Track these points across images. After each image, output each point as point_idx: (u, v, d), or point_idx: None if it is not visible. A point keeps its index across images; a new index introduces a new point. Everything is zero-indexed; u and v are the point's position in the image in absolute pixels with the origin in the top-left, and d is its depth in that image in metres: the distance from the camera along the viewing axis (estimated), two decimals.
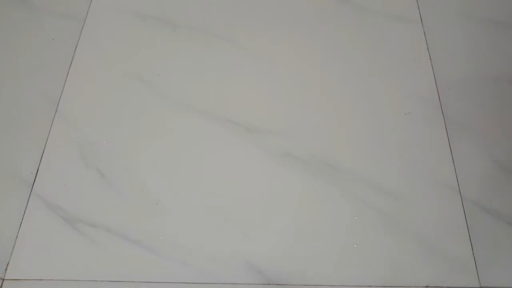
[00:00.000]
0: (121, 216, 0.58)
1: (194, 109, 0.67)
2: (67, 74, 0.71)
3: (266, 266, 0.55)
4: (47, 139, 0.64)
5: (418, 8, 0.77)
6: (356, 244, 0.56)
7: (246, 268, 0.55)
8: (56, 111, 0.67)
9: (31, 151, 0.63)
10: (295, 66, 0.70)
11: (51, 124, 0.66)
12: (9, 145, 0.64)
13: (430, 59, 0.71)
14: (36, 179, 0.61)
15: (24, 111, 0.67)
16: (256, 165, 0.62)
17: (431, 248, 0.56)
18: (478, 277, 0.54)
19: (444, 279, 0.54)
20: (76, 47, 0.74)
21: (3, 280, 0.54)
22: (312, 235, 0.57)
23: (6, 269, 0.55)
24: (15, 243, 0.57)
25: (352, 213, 0.58)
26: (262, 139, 0.64)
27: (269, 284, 0.54)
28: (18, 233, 0.57)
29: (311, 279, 0.54)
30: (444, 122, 0.62)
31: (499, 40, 0.73)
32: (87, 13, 0.77)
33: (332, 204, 0.58)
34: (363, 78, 0.69)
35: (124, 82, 0.70)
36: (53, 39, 0.75)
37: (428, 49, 0.72)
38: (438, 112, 0.63)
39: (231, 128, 0.65)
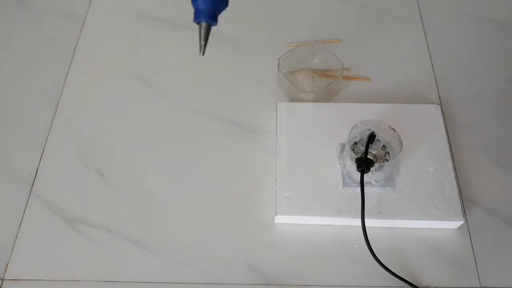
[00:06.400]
0: (121, 216, 0.58)
1: (194, 109, 0.67)
2: (67, 74, 0.71)
3: (266, 266, 0.55)
4: (46, 139, 0.64)
5: (418, 8, 0.77)
6: (356, 245, 0.55)
7: (246, 268, 0.55)
8: (56, 111, 0.67)
9: (31, 151, 0.63)
10: None
11: (51, 124, 0.66)
12: (8, 145, 0.64)
13: (430, 59, 0.71)
14: (36, 179, 0.61)
15: (24, 111, 0.67)
16: (256, 165, 0.61)
17: (431, 248, 0.55)
18: (479, 277, 0.54)
19: (444, 279, 0.54)
20: (76, 47, 0.74)
21: (2, 280, 0.54)
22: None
23: (5, 269, 0.55)
24: (14, 243, 0.57)
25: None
26: (263, 139, 0.64)
27: (269, 284, 0.54)
28: (17, 233, 0.57)
29: (311, 279, 0.54)
30: (444, 122, 0.62)
31: (499, 40, 0.73)
32: (87, 13, 0.78)
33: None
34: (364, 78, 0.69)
35: (124, 82, 0.70)
36: (52, 39, 0.75)
37: (428, 49, 0.72)
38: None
39: (232, 128, 0.65)
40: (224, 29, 0.74)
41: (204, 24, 0.46)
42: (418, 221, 0.55)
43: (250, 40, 0.74)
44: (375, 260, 0.52)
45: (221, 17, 0.74)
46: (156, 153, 0.63)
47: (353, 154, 0.54)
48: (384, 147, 0.55)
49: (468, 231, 0.57)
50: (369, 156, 0.54)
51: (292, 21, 0.76)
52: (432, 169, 0.58)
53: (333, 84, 0.65)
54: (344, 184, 0.57)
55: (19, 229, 0.58)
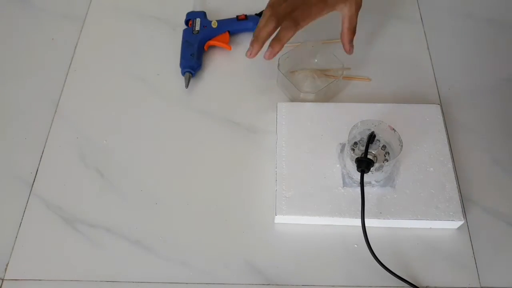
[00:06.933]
0: (121, 216, 0.58)
1: (194, 109, 0.67)
2: (67, 74, 0.71)
3: (266, 266, 0.55)
4: (46, 139, 0.64)
5: (418, 8, 0.77)
6: (356, 245, 0.56)
7: (246, 268, 0.55)
8: (56, 111, 0.67)
9: (31, 151, 0.63)
10: None
11: (51, 124, 0.66)
12: (8, 145, 0.64)
13: (430, 59, 0.71)
14: (36, 179, 0.61)
15: (24, 111, 0.67)
16: (256, 165, 0.61)
17: (431, 248, 0.55)
18: (479, 277, 0.54)
19: (444, 279, 0.54)
20: (75, 47, 0.74)
21: (2, 280, 0.54)
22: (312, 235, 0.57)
23: (5, 269, 0.55)
24: (14, 243, 0.57)
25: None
26: (263, 139, 0.64)
27: (269, 284, 0.54)
28: (17, 233, 0.57)
29: (311, 279, 0.54)
30: (444, 122, 0.62)
31: (499, 40, 0.73)
32: (87, 13, 0.78)
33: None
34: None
35: (124, 82, 0.70)
36: (52, 39, 0.75)
37: (428, 49, 0.72)
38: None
39: (232, 128, 0.65)
40: None
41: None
42: (418, 221, 0.55)
43: (249, 40, 0.74)
44: (375, 260, 0.52)
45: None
46: (156, 153, 0.63)
47: (353, 154, 0.54)
48: (384, 147, 0.56)
49: (468, 231, 0.57)
50: (369, 156, 0.54)
51: None
52: (432, 169, 0.58)
53: (333, 84, 0.65)
54: (344, 184, 0.57)
55: (19, 229, 0.58)
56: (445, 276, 0.54)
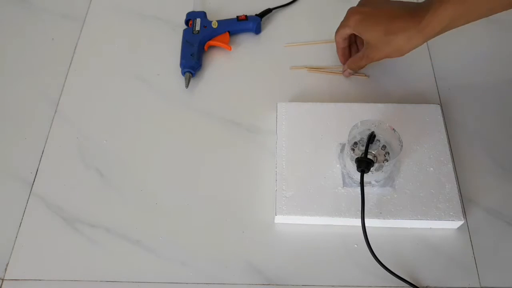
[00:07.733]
0: (121, 216, 0.58)
1: (194, 109, 0.67)
2: (67, 74, 0.71)
3: (266, 266, 0.55)
4: (46, 139, 0.64)
5: None
6: (356, 245, 0.56)
7: (246, 268, 0.55)
8: (56, 111, 0.67)
9: (31, 151, 0.63)
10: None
11: (51, 124, 0.66)
12: (8, 145, 0.64)
13: (430, 59, 0.71)
14: (36, 179, 0.61)
15: (24, 111, 0.67)
16: (256, 165, 0.61)
17: (431, 248, 0.55)
18: (479, 277, 0.54)
19: (444, 279, 0.54)
20: (75, 47, 0.74)
21: (2, 280, 0.54)
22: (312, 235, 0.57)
23: (5, 269, 0.55)
24: (14, 243, 0.57)
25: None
26: (263, 139, 0.64)
27: (269, 284, 0.54)
28: (17, 233, 0.57)
29: (311, 279, 0.54)
30: (444, 122, 0.62)
31: (499, 40, 0.73)
32: (87, 13, 0.78)
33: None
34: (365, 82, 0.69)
35: (124, 82, 0.70)
36: (52, 39, 0.75)
37: (428, 49, 0.72)
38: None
39: (232, 128, 0.65)
40: None
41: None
42: (418, 221, 0.55)
43: (249, 40, 0.74)
44: (375, 260, 0.52)
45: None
46: (156, 153, 0.63)
47: (353, 154, 0.54)
48: (384, 147, 0.55)
49: (468, 231, 0.57)
50: (369, 156, 0.54)
51: (291, 21, 0.76)
52: (432, 169, 0.58)
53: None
54: (344, 184, 0.57)
55: (19, 229, 0.58)
56: (445, 276, 0.54)
